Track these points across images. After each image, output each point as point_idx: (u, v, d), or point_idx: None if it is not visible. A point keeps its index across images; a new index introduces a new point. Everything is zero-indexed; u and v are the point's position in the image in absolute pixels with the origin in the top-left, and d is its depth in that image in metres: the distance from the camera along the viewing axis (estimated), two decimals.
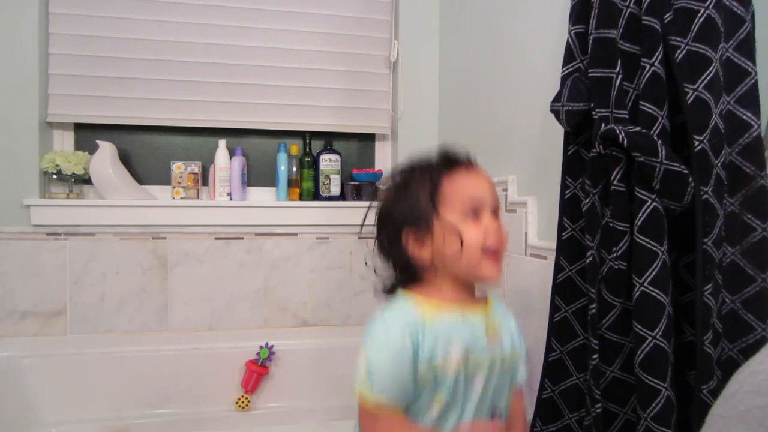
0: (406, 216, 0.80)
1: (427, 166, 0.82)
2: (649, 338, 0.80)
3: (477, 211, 0.79)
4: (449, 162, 0.82)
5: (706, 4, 0.80)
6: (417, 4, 2.02)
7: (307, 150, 2.00)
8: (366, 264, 0.89)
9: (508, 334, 0.85)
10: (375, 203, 0.88)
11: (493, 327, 0.81)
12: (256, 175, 2.02)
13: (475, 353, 0.78)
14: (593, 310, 0.91)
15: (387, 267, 0.86)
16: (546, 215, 1.27)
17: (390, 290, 0.87)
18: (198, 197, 1.90)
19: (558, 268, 1.04)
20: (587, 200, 0.93)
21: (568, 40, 1.00)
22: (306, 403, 1.80)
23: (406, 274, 0.84)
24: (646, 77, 0.83)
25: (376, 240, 0.87)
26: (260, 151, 2.03)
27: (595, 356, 0.90)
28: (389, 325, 0.77)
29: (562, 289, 1.03)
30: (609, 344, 0.90)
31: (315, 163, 2.00)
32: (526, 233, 1.34)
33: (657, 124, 0.82)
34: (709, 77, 0.79)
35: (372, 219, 0.88)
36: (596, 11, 0.92)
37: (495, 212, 0.81)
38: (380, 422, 0.76)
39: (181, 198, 1.88)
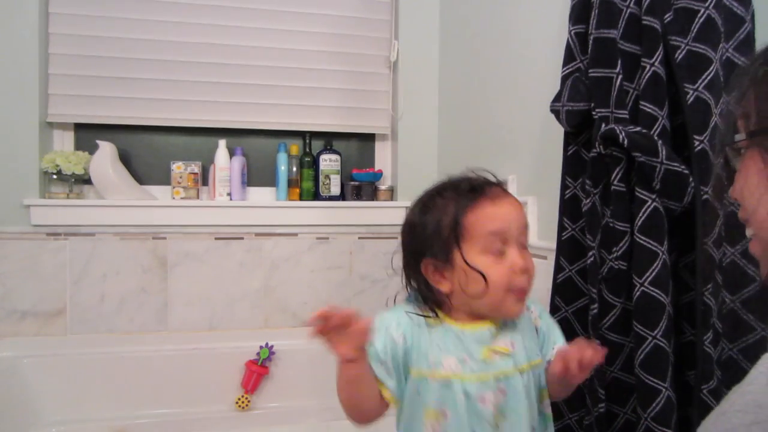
0: (426, 245, 0.76)
1: (452, 192, 0.77)
2: (650, 338, 0.80)
3: (502, 244, 0.74)
4: (474, 190, 0.76)
5: (706, 4, 0.80)
6: (417, 4, 2.02)
7: (307, 150, 2.00)
8: (393, 268, 0.86)
9: (524, 345, 0.78)
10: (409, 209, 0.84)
11: (498, 346, 0.76)
12: (256, 175, 2.02)
13: (472, 369, 0.74)
14: (594, 311, 0.91)
15: (407, 283, 0.83)
16: (546, 215, 1.27)
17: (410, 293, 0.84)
18: (198, 197, 1.90)
19: (558, 268, 1.04)
20: (587, 200, 0.93)
21: (568, 40, 1.00)
22: (306, 403, 1.80)
23: (424, 295, 0.80)
24: (647, 77, 0.83)
25: (402, 254, 0.83)
26: (260, 151, 2.03)
27: None
28: (387, 323, 0.78)
29: (562, 289, 1.03)
30: (609, 344, 0.90)
31: (315, 163, 2.00)
32: None
33: (657, 124, 0.82)
34: (709, 77, 0.79)
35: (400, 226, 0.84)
36: (596, 11, 0.92)
37: (522, 243, 0.76)
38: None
39: (181, 198, 1.88)
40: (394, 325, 0.77)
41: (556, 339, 0.83)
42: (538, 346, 0.81)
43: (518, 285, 0.73)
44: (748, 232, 0.49)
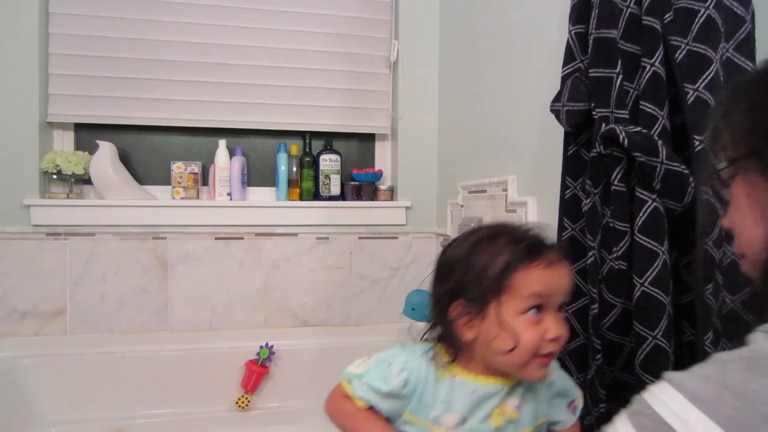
0: (462, 288, 0.71)
1: (508, 242, 0.72)
2: (650, 338, 0.80)
3: (541, 308, 0.70)
4: (532, 248, 0.71)
5: (707, 4, 0.80)
6: (417, 4, 2.02)
7: (307, 150, 2.00)
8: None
9: (533, 405, 0.77)
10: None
11: (508, 408, 0.75)
12: (256, 175, 2.02)
13: (471, 428, 0.73)
14: (594, 310, 0.91)
15: (430, 317, 0.79)
16: (546, 215, 1.27)
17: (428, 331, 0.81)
18: (198, 197, 1.90)
19: None
20: (587, 200, 0.93)
21: (568, 40, 1.00)
22: (306, 403, 1.80)
23: (441, 335, 0.77)
24: (647, 77, 0.83)
25: (432, 285, 0.79)
26: (260, 151, 2.03)
27: (598, 356, 0.90)
28: (395, 360, 0.76)
29: None
30: (609, 344, 0.90)
31: (315, 163, 2.00)
32: None
33: (657, 124, 0.82)
34: (709, 77, 0.79)
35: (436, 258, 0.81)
36: (596, 11, 0.92)
37: (560, 308, 0.73)
38: (349, 404, 0.77)
39: (181, 198, 1.88)
40: (399, 366, 0.75)
41: (572, 392, 0.82)
42: (548, 400, 0.80)
43: (547, 352, 0.70)
44: (737, 250, 0.51)
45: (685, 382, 0.37)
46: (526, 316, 0.69)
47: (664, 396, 0.37)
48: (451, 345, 0.75)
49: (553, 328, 0.70)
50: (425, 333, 0.80)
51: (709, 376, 0.36)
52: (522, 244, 0.70)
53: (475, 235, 0.75)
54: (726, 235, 0.56)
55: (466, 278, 0.71)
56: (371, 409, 0.77)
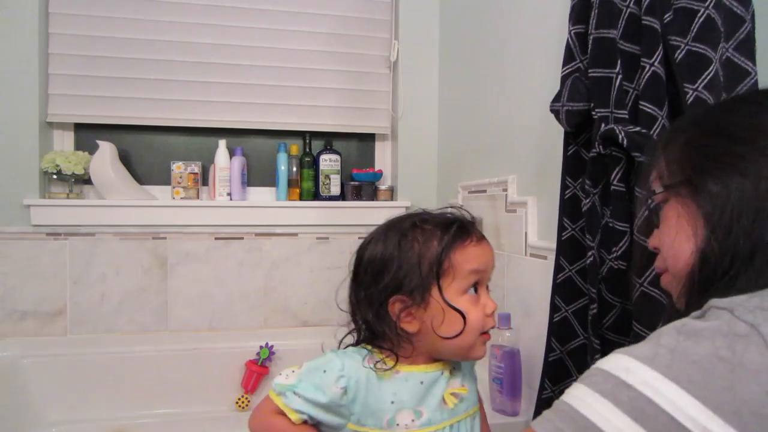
0: (399, 282, 0.70)
1: (435, 228, 0.71)
2: None
3: (477, 285, 0.71)
4: (462, 228, 0.72)
5: (706, 4, 0.80)
6: (417, 4, 2.02)
7: (307, 150, 2.00)
8: (338, 306, 0.79)
9: (471, 380, 0.78)
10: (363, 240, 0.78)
11: (456, 388, 0.75)
12: (256, 175, 2.02)
13: (429, 421, 0.71)
14: (594, 310, 0.91)
15: (351, 320, 0.76)
16: (546, 215, 1.27)
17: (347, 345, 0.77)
18: (198, 197, 1.90)
19: (558, 268, 1.04)
20: (587, 200, 0.93)
21: (568, 40, 1.00)
22: None
23: (372, 335, 0.75)
24: (646, 77, 0.83)
25: (350, 291, 0.76)
26: (260, 151, 2.03)
27: (597, 356, 0.90)
28: (330, 367, 0.70)
29: (562, 289, 1.03)
30: (609, 344, 0.90)
31: (315, 163, 2.00)
32: (526, 233, 1.34)
33: (657, 124, 0.82)
34: (709, 77, 0.79)
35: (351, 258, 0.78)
36: (596, 11, 0.92)
37: (487, 286, 0.74)
38: (280, 420, 0.71)
39: (181, 198, 1.88)
40: (335, 374, 0.69)
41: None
42: (471, 373, 0.80)
43: (489, 327, 0.72)
44: (658, 266, 0.59)
45: (629, 348, 0.45)
46: (467, 296, 0.70)
47: (612, 358, 0.45)
48: (390, 343, 0.72)
49: (490, 302, 0.72)
50: (356, 337, 0.77)
51: (648, 340, 0.45)
52: (452, 226, 0.71)
53: (395, 229, 0.73)
54: (648, 254, 0.62)
55: (402, 271, 0.70)
56: (306, 423, 0.71)
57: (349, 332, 0.78)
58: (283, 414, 0.71)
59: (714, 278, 0.48)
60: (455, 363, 0.77)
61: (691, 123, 0.57)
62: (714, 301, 0.44)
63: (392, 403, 0.70)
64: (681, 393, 0.39)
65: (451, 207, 0.77)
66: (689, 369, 0.40)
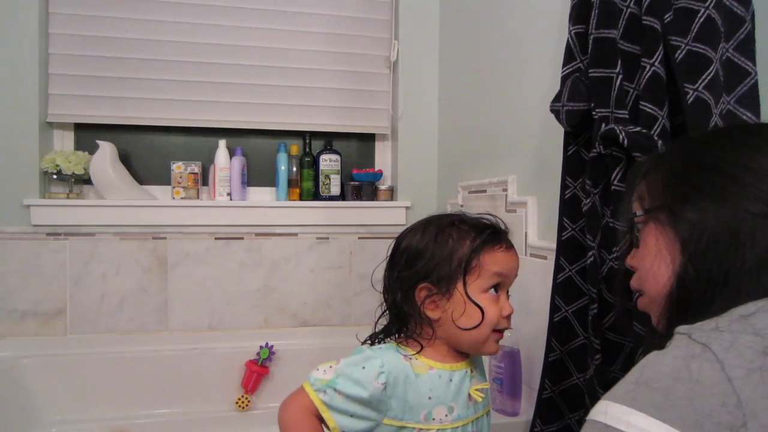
0: (429, 271, 0.76)
1: (470, 229, 0.78)
2: None
3: (498, 287, 0.77)
4: (496, 236, 0.78)
5: (706, 4, 0.80)
6: (417, 4, 2.02)
7: (307, 150, 2.00)
8: (372, 285, 0.86)
9: (484, 375, 0.86)
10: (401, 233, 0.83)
11: (476, 387, 0.80)
12: (256, 175, 2.02)
13: (459, 416, 0.77)
14: (594, 310, 0.91)
15: (383, 306, 0.82)
16: (546, 215, 1.27)
17: (375, 339, 0.83)
18: (198, 197, 1.90)
19: (558, 268, 1.04)
20: (587, 200, 0.93)
21: (568, 40, 1.00)
22: None
23: (399, 323, 0.81)
24: (647, 77, 0.83)
25: (385, 274, 0.82)
26: (260, 151, 2.03)
27: (597, 356, 0.90)
28: (370, 362, 0.73)
29: (562, 289, 1.03)
30: (609, 344, 0.90)
31: (315, 163, 2.00)
32: (526, 233, 1.34)
33: (657, 124, 0.82)
34: (709, 77, 0.79)
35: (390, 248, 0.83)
36: (596, 11, 0.92)
37: (508, 292, 0.80)
38: (315, 424, 0.73)
39: (181, 198, 1.88)
40: (376, 369, 0.72)
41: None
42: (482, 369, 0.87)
43: (503, 327, 0.78)
44: (634, 286, 0.61)
45: (608, 392, 0.47)
46: (488, 294, 0.76)
47: (595, 406, 0.47)
48: (415, 333, 0.78)
49: (507, 306, 0.78)
50: (383, 327, 0.82)
51: (621, 380, 0.47)
52: (486, 230, 0.77)
53: (434, 224, 0.79)
54: (625, 271, 0.64)
55: (433, 261, 0.76)
56: None
57: (383, 314, 0.83)
58: (318, 416, 0.73)
59: (690, 301, 0.51)
60: (476, 362, 0.83)
61: (675, 153, 0.60)
62: (679, 328, 0.47)
63: (429, 398, 0.75)
64: (650, 420, 0.42)
65: (488, 214, 0.82)
66: (652, 396, 0.43)
